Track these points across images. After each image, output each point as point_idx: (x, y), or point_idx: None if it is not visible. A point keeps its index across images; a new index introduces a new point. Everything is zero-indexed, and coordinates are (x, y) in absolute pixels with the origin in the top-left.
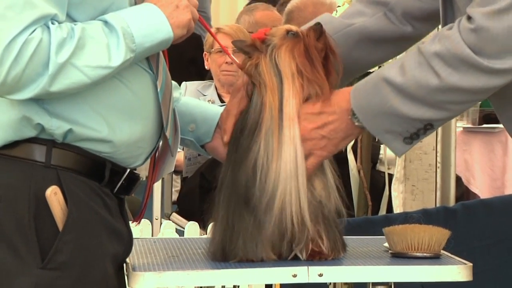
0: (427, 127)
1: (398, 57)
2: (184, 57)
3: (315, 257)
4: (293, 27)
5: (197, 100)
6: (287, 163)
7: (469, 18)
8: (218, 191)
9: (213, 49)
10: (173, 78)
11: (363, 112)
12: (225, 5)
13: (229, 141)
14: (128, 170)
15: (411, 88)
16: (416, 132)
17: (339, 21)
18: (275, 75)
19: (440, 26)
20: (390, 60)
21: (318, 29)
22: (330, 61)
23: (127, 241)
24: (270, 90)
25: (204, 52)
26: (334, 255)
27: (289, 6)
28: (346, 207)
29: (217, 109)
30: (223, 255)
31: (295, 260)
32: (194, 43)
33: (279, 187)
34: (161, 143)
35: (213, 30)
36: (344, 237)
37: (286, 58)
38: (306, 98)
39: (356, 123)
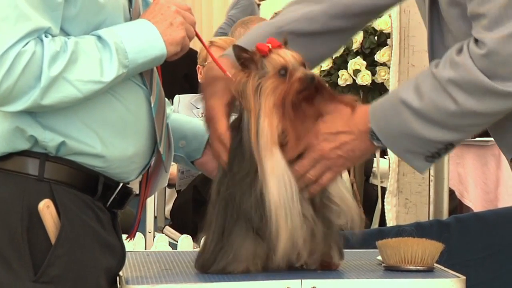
0: (448, 146)
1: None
2: (178, 73)
3: (326, 268)
4: (290, 64)
5: (187, 117)
6: (273, 195)
7: (478, 42)
8: (211, 203)
9: (206, 63)
10: (166, 93)
11: (383, 133)
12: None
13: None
14: (121, 184)
15: (430, 112)
16: (437, 151)
17: (264, 28)
18: (256, 102)
19: (427, 46)
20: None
21: (306, 81)
22: (313, 105)
23: (120, 254)
24: (253, 115)
25: (198, 65)
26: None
27: None
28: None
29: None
30: (206, 267)
31: (289, 272)
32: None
33: (272, 215)
34: (154, 158)
35: (206, 42)
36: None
37: (268, 92)
38: (282, 132)
39: (376, 144)
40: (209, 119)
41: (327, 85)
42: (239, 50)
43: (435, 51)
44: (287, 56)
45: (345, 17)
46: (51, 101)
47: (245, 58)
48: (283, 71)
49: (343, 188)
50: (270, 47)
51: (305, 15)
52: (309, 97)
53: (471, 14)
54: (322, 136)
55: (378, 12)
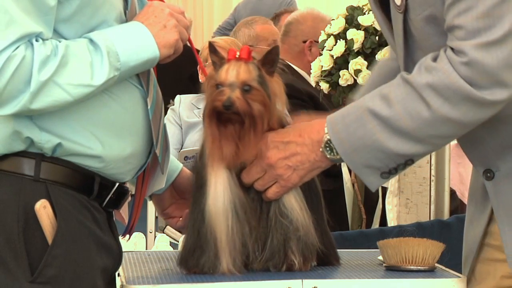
0: (408, 162)
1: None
2: (183, 73)
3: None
4: (227, 82)
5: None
6: (209, 205)
7: (455, 51)
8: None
9: (207, 63)
10: (171, 94)
11: (343, 146)
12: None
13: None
14: (117, 184)
15: (401, 121)
16: (395, 167)
17: (387, 65)
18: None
19: (401, 58)
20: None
21: (218, 106)
22: (234, 129)
23: (117, 254)
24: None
25: (199, 66)
26: (306, 268)
27: (289, 18)
28: (333, 221)
29: (177, 165)
30: (186, 266)
31: (290, 272)
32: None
33: (206, 224)
34: (150, 159)
35: (205, 43)
36: (338, 250)
37: (206, 100)
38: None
39: (328, 156)
40: None
41: (259, 119)
42: (211, 49)
43: (405, 68)
44: (232, 72)
45: None
46: (41, 105)
47: (218, 56)
48: (219, 86)
49: (295, 202)
50: (237, 55)
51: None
52: (230, 120)
53: (447, 26)
54: (273, 143)
55: None
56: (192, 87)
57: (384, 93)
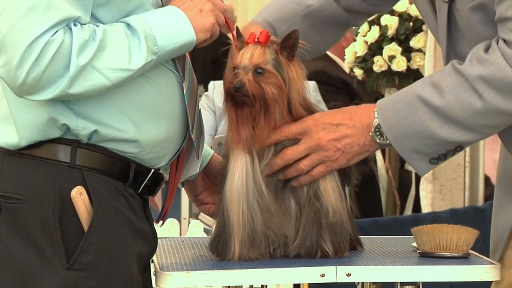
0: (457, 148)
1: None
2: (207, 58)
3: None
4: (242, 65)
5: None
6: (228, 189)
7: (508, 43)
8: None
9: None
10: (198, 79)
11: (393, 131)
12: (253, 2)
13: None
14: (153, 171)
15: (452, 111)
16: (445, 153)
17: (294, 4)
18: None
19: (444, 48)
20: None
21: (231, 87)
22: (249, 111)
23: (152, 241)
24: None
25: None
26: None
27: None
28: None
29: (208, 151)
30: (215, 252)
31: (324, 259)
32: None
33: (224, 208)
34: (184, 144)
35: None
36: (371, 236)
37: (224, 90)
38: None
39: (378, 140)
40: None
41: (271, 102)
42: (237, 34)
43: (446, 58)
44: (246, 55)
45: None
46: (79, 89)
47: (243, 41)
48: (235, 69)
49: (330, 187)
50: (257, 39)
51: None
52: (244, 103)
53: (499, 17)
54: (322, 125)
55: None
56: (216, 71)
57: (435, 81)
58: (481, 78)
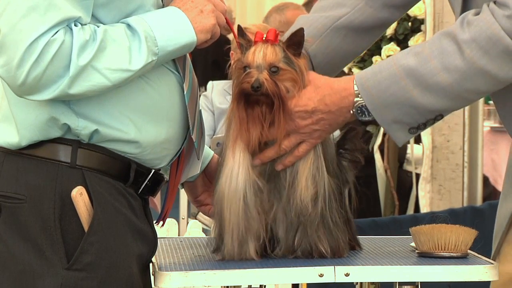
0: (437, 117)
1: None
2: (208, 59)
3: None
4: (255, 64)
5: None
6: (220, 186)
7: (498, 4)
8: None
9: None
10: (199, 80)
11: (374, 102)
12: (252, 4)
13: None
14: (153, 171)
15: (437, 76)
16: (424, 122)
17: (323, 18)
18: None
19: (458, 13)
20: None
21: (247, 87)
22: (262, 110)
23: (152, 241)
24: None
25: (231, 51)
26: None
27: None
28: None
29: (208, 152)
30: (218, 253)
31: (322, 259)
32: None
33: (217, 207)
34: (185, 145)
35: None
36: (369, 236)
37: (233, 82)
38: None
39: (360, 118)
40: None
41: (286, 101)
42: (239, 32)
43: None
44: (258, 54)
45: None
46: (79, 90)
47: (238, 42)
48: (246, 68)
49: (307, 171)
50: (264, 38)
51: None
52: (257, 102)
53: None
54: (296, 113)
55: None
56: (216, 72)
57: (418, 50)
58: (470, 38)
